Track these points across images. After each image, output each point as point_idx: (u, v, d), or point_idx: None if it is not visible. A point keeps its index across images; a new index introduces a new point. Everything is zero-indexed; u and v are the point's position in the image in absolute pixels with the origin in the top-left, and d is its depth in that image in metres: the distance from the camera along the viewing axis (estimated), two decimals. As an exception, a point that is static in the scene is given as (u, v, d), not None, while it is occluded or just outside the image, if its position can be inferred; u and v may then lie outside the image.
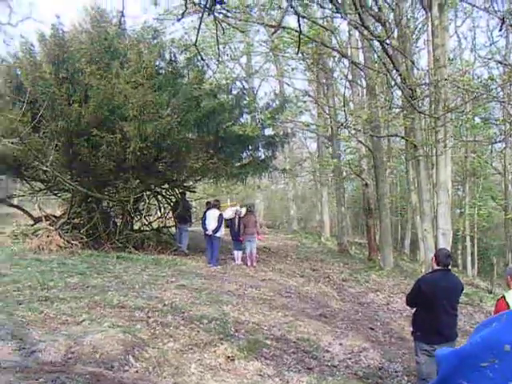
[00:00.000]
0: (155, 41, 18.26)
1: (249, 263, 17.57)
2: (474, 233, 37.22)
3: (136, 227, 19.93)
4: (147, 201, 20.11)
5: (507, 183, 30.97)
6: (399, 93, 22.46)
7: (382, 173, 22.34)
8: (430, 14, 16.40)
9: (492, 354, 0.92)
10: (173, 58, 18.26)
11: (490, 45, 28.14)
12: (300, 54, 23.76)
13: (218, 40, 7.70)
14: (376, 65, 20.48)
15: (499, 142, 27.77)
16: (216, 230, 17.05)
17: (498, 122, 20.94)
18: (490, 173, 38.25)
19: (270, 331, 9.96)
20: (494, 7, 16.93)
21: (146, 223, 20.32)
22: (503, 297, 6.57)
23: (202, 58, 16.57)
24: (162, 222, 21.11)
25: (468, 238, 35.96)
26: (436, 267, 7.18)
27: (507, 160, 29.86)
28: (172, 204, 20.60)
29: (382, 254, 21.90)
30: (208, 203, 18.59)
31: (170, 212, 20.55)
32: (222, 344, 8.44)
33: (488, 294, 20.02)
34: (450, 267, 7.36)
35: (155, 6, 22.31)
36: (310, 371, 8.18)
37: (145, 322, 8.87)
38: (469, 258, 35.77)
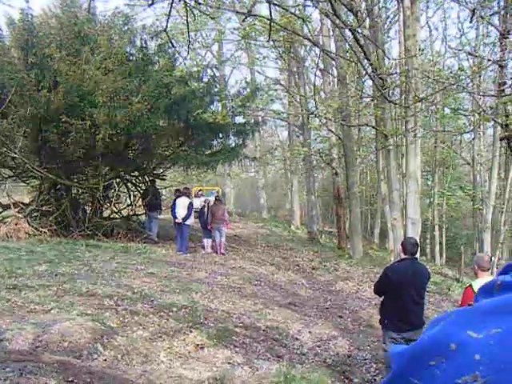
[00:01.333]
0: (126, 27, 18.09)
1: (218, 251, 17.61)
2: (443, 222, 37.64)
3: (105, 215, 19.77)
4: (117, 188, 19.97)
5: (475, 173, 31.34)
6: (370, 82, 22.56)
7: (353, 162, 22.48)
8: (401, 5, 16.48)
9: (440, 353, 0.93)
10: (144, 45, 18.10)
11: (461, 36, 28.42)
12: (271, 43, 23.73)
13: (188, 26, 7.65)
14: (347, 54, 20.53)
15: (468, 132, 28.05)
16: (186, 218, 17.02)
17: (467, 113, 21.16)
18: (458, 163, 38.72)
19: (239, 319, 9.98)
20: (465, -1, 17.06)
21: (116, 211, 20.15)
22: (470, 285, 6.70)
23: (172, 45, 16.49)
24: (131, 210, 20.97)
25: (437, 228, 36.33)
26: (403, 256, 7.27)
27: (475, 150, 30.20)
28: (142, 191, 20.49)
29: (352, 243, 22.06)
30: (177, 191, 18.54)
31: (140, 200, 20.44)
32: (191, 332, 8.43)
33: (456, 282, 20.27)
34: (416, 256, 7.44)
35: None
36: (279, 359, 8.20)
37: (114, 310, 8.82)
38: (437, 247, 36.16)
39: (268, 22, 9.56)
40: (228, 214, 19.77)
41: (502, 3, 17.11)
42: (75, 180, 18.40)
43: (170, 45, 16.77)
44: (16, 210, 17.27)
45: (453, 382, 0.86)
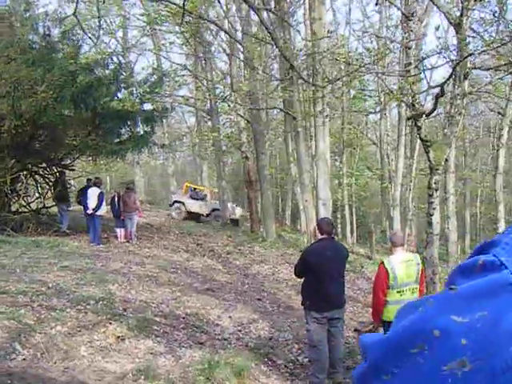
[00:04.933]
0: (28, 14, 17.58)
1: (130, 240, 17.49)
2: (353, 202, 38.43)
3: (14, 209, 19.22)
4: (25, 181, 19.45)
5: (382, 153, 32.10)
6: (277, 66, 22.70)
7: (262, 145, 22.59)
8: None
9: (421, 340, 0.92)
10: (47, 32, 17.62)
11: (363, 20, 29.09)
12: (177, 28, 23.54)
13: (99, 10, 7.51)
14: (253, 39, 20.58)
15: (377, 112, 28.74)
16: (96, 209, 16.75)
17: (374, 94, 21.64)
18: (365, 143, 39.56)
19: (158, 308, 9.92)
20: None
21: (25, 204, 19.64)
22: (382, 262, 6.97)
23: (82, 29, 16.02)
24: (41, 203, 20.45)
25: (347, 207, 37.04)
26: (320, 236, 7.34)
27: (382, 130, 30.91)
28: (51, 183, 20.02)
29: (265, 226, 22.25)
30: (89, 180, 18.25)
31: (49, 192, 19.97)
32: (110, 324, 8.31)
33: (368, 260, 20.81)
34: (333, 235, 7.56)
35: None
36: (201, 346, 8.21)
37: (29, 307, 8.57)
38: (348, 227, 36.91)
39: (174, 6, 9.48)
40: (139, 203, 19.60)
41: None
42: (-20, 174, 17.83)
43: (80, 29, 16.34)
44: None
45: (439, 369, 0.85)
